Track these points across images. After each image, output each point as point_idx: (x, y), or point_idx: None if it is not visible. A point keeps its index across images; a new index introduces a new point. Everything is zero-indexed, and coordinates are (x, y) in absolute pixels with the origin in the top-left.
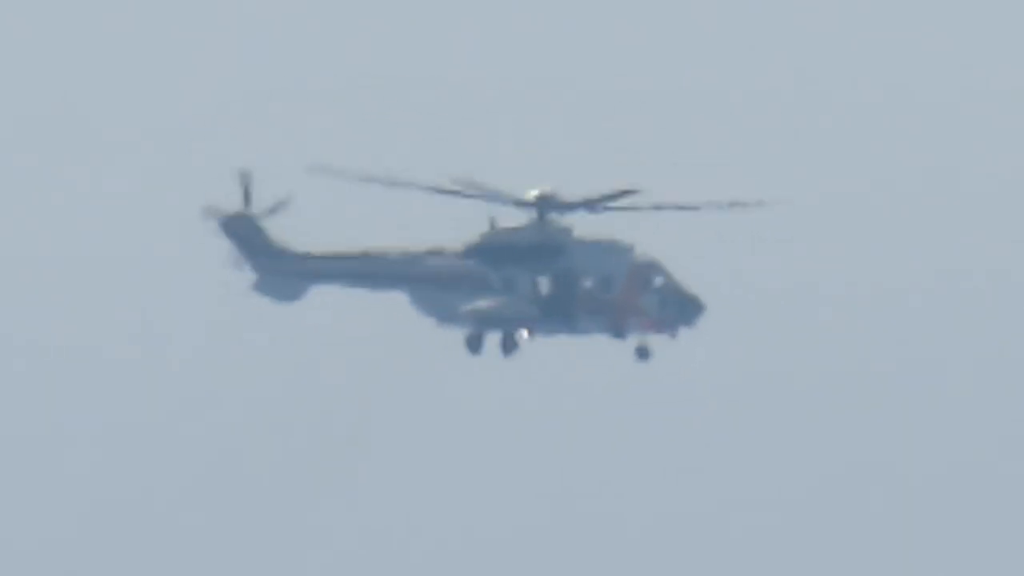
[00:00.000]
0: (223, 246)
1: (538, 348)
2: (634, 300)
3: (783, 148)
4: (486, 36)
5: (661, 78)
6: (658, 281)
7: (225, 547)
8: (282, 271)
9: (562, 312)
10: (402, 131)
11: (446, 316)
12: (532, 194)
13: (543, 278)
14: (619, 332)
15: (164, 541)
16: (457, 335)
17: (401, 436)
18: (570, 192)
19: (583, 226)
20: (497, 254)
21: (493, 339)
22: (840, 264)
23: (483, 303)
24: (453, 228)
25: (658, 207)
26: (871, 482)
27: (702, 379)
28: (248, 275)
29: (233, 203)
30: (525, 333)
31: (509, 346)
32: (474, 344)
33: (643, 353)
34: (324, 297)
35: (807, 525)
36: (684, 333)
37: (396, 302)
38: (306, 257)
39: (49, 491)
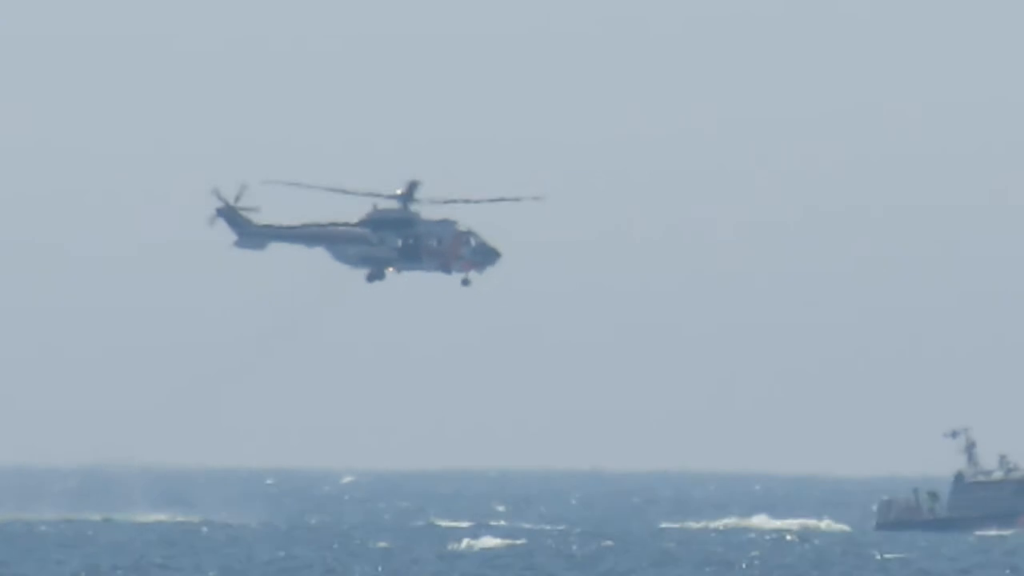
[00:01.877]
0: (220, 220)
1: (401, 278)
2: (457, 252)
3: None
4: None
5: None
6: (472, 241)
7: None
8: (250, 234)
9: (414, 258)
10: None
11: (346, 260)
12: (397, 192)
13: (403, 238)
14: (448, 270)
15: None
16: (356, 270)
17: (323, 321)
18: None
19: (428, 210)
20: (376, 224)
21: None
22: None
23: (367, 251)
24: (353, 209)
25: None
26: None
27: (495, 294)
28: (232, 236)
29: (226, 199)
30: (391, 269)
31: (376, 275)
32: (373, 275)
33: (465, 282)
34: (278, 249)
35: None
36: (489, 271)
37: (319, 253)
38: (265, 227)
39: None
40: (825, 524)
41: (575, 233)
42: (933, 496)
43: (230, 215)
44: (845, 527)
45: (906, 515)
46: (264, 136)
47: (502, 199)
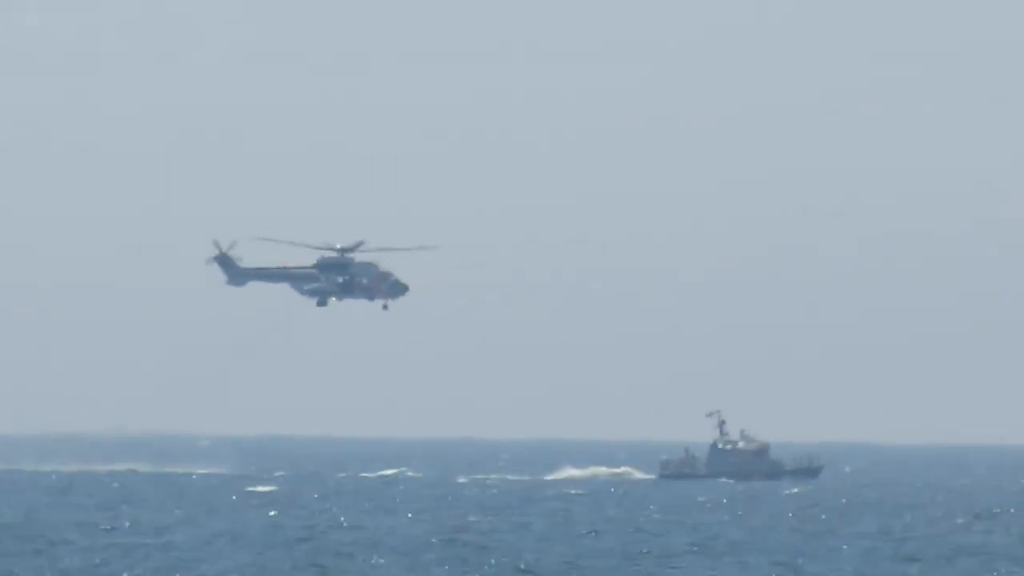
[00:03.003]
0: (216, 264)
1: (341, 305)
2: (379, 286)
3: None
4: None
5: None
6: (389, 278)
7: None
8: (236, 275)
9: (349, 291)
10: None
11: (302, 292)
12: (337, 247)
13: (342, 277)
14: (372, 298)
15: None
16: (310, 299)
17: (286, 333)
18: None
19: (362, 257)
20: (323, 267)
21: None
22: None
23: (317, 286)
24: (309, 257)
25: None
26: None
27: (404, 314)
28: (224, 277)
29: (221, 248)
30: (334, 299)
31: (323, 302)
32: (320, 303)
33: (385, 306)
34: (254, 286)
35: None
36: (402, 299)
37: (283, 288)
38: (246, 269)
39: None
40: (623, 470)
41: None
42: (694, 458)
43: (223, 261)
44: (644, 475)
45: (681, 469)
46: (245, 206)
47: (404, 248)
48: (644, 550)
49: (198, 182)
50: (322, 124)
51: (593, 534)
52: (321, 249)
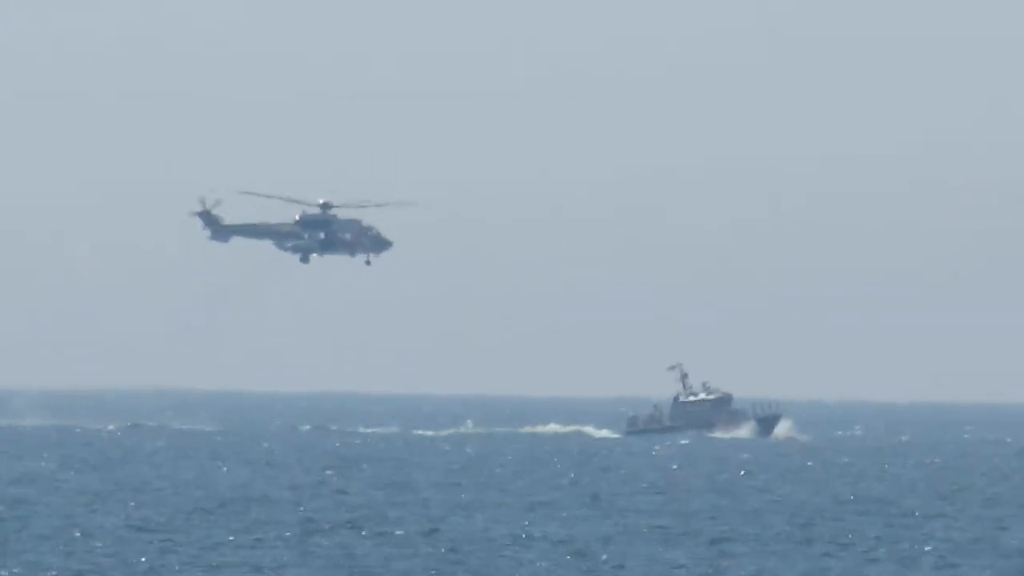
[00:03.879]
0: (199, 219)
1: (322, 260)
2: (359, 241)
3: None
4: None
5: None
6: (371, 232)
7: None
8: (219, 231)
9: (331, 245)
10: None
11: (284, 248)
12: (319, 202)
13: (324, 233)
14: (354, 254)
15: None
16: (292, 256)
17: (272, 287)
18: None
19: (344, 213)
20: (306, 223)
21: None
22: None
23: (299, 243)
24: (293, 213)
25: (362, 205)
26: None
27: (387, 265)
28: (207, 232)
29: (205, 205)
30: (314, 255)
31: (305, 259)
32: (303, 259)
33: (368, 261)
34: (237, 241)
35: None
36: (383, 254)
37: (265, 244)
38: (229, 226)
39: None
40: (589, 429)
41: None
42: (658, 409)
43: (206, 217)
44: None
45: (649, 425)
46: (233, 160)
47: (385, 204)
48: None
49: (182, 134)
50: (307, 74)
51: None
52: (303, 204)
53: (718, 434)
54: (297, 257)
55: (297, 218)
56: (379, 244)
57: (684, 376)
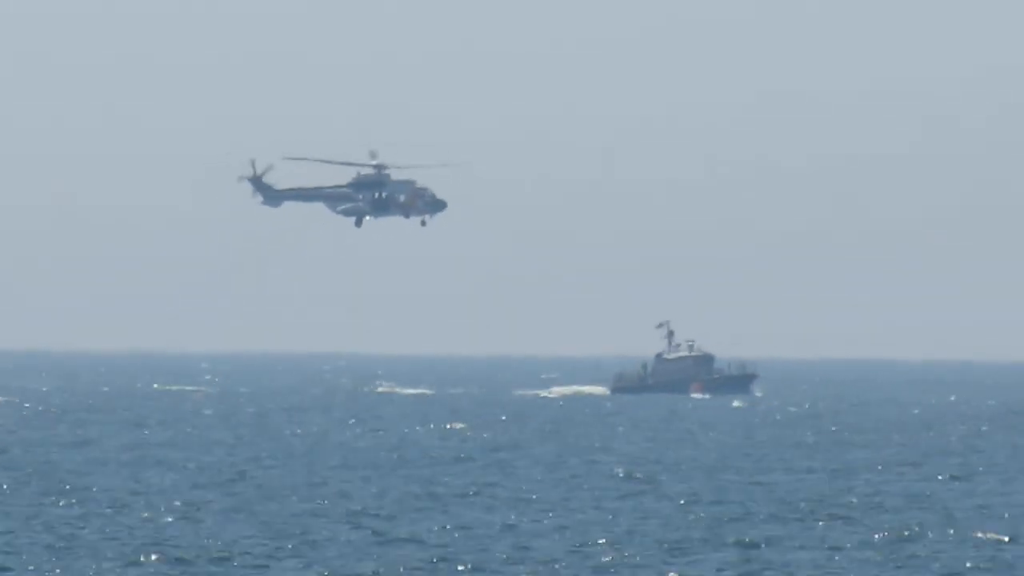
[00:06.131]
0: (249, 184)
1: (376, 223)
2: (414, 202)
3: None
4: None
5: None
6: (427, 194)
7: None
8: (271, 196)
9: (385, 209)
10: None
11: (337, 211)
12: (373, 162)
13: (377, 195)
14: (409, 215)
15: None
16: (346, 219)
17: (328, 242)
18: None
19: (397, 173)
20: (359, 185)
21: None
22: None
23: (352, 205)
24: (345, 175)
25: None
26: None
27: (445, 225)
28: (259, 197)
29: (255, 170)
30: (368, 217)
31: (359, 223)
32: (357, 223)
33: (424, 223)
34: (289, 205)
35: None
36: (439, 216)
37: (319, 207)
38: (281, 190)
39: None
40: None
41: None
42: (644, 367)
43: (256, 183)
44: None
45: (635, 383)
46: (283, 124)
47: (443, 165)
48: None
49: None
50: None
51: None
52: (357, 165)
53: (694, 395)
54: (351, 220)
55: (350, 179)
56: (434, 205)
57: (670, 334)
